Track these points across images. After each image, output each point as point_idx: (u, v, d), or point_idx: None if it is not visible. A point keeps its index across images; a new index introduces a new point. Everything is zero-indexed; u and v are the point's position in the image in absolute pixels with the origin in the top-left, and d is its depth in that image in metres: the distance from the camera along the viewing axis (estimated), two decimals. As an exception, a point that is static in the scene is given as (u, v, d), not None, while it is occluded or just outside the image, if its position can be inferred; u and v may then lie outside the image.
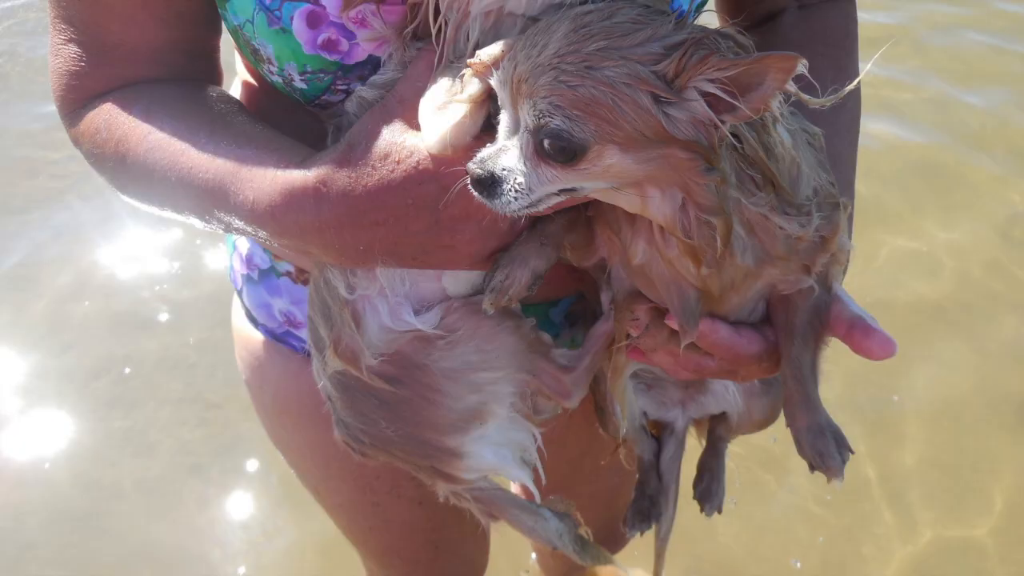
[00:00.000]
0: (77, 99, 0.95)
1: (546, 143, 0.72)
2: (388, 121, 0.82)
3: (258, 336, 1.21)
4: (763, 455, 2.38)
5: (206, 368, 2.69)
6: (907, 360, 2.64)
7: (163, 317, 2.86)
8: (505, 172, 0.74)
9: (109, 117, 0.93)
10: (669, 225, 0.77)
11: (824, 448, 0.88)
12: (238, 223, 0.89)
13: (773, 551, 2.26)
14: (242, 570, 2.25)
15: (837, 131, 0.96)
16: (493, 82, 0.75)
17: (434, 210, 0.81)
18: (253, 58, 0.91)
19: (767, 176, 0.75)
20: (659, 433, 1.18)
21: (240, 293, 1.22)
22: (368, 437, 1.00)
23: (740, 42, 0.70)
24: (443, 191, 0.79)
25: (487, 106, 0.78)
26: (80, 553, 2.27)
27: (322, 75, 0.88)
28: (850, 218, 0.88)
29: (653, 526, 1.21)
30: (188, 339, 2.78)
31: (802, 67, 0.66)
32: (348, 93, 0.89)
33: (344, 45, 0.85)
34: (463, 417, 0.96)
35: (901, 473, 2.42)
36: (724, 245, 0.76)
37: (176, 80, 0.96)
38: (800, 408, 0.89)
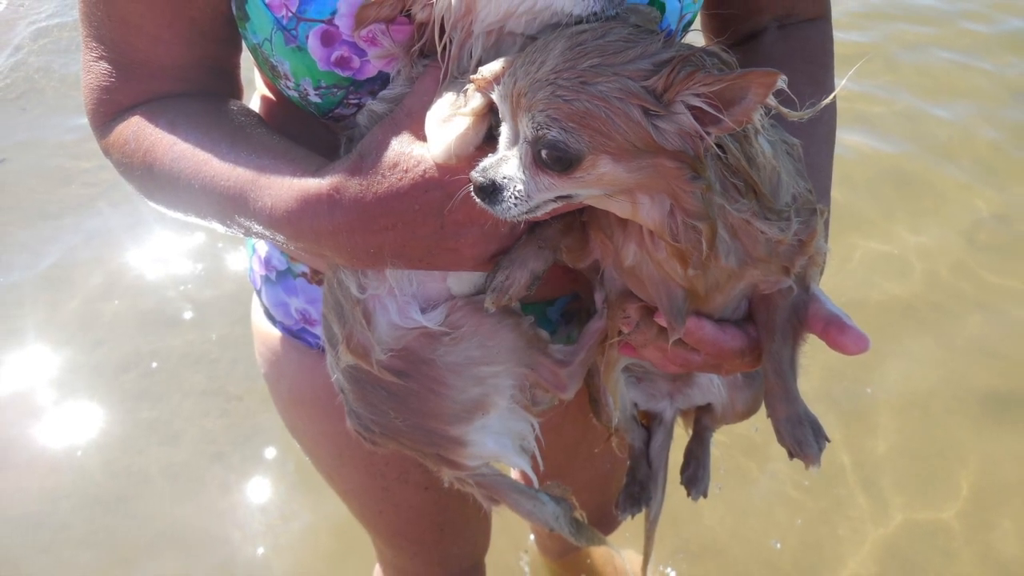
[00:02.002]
0: (107, 112, 0.95)
1: (544, 153, 0.72)
2: (397, 133, 0.82)
3: (275, 333, 1.20)
4: (746, 443, 2.38)
5: (227, 362, 2.69)
6: (879, 355, 2.64)
7: (187, 315, 2.86)
8: (505, 180, 0.74)
9: (137, 129, 0.93)
10: (658, 229, 0.77)
11: (802, 437, 0.88)
12: (257, 227, 0.89)
13: (755, 533, 2.26)
14: (261, 551, 2.25)
15: (814, 142, 0.96)
16: (494, 96, 0.75)
17: (440, 215, 0.81)
18: (271, 74, 0.91)
19: (749, 184, 0.75)
20: (649, 423, 1.19)
21: (259, 293, 1.22)
22: (378, 427, 0.99)
23: (724, 59, 0.70)
24: (448, 198, 0.79)
25: (489, 119, 0.78)
26: (110, 535, 2.27)
27: (335, 90, 0.88)
28: (826, 223, 0.88)
29: (643, 510, 1.21)
30: (211, 335, 2.78)
31: (782, 82, 0.66)
32: (359, 107, 0.89)
33: (356, 62, 0.85)
34: (466, 408, 0.96)
35: (874, 460, 2.42)
36: (709, 248, 0.76)
37: (199, 94, 0.96)
38: (780, 400, 0.89)
